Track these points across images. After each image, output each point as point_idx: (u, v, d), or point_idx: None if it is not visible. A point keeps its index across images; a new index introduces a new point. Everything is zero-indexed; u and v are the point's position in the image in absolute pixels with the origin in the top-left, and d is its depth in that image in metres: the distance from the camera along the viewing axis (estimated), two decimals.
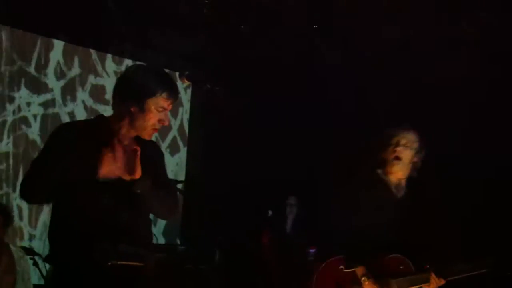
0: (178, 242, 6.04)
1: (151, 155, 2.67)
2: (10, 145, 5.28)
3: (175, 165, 6.28)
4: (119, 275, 2.54)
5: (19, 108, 5.36)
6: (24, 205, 5.21)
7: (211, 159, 5.29)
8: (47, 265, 4.09)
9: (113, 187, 2.54)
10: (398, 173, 3.53)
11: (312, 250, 5.21)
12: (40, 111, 5.47)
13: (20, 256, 4.15)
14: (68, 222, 2.56)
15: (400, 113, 4.78)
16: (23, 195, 2.60)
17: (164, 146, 6.10)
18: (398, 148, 3.48)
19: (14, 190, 5.23)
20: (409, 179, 3.57)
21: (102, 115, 2.77)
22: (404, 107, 4.94)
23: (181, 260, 4.26)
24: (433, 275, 3.37)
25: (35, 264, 4.44)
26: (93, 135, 2.60)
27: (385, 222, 3.42)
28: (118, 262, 2.53)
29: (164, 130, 6.17)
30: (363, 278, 3.40)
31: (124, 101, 2.61)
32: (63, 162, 2.51)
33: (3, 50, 5.21)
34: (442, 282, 3.39)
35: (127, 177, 2.54)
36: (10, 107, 5.28)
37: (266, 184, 5.64)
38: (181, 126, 6.39)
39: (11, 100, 5.31)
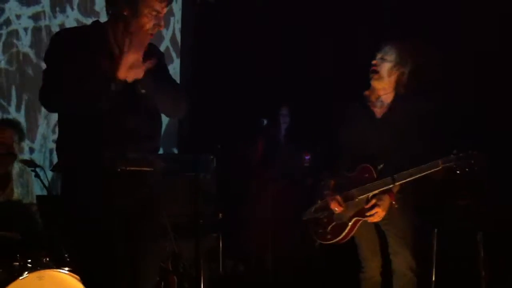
0: (176, 151, 6.14)
1: (151, 54, 2.54)
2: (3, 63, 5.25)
3: None
4: (128, 180, 2.53)
5: (9, 21, 5.29)
6: (22, 120, 5.24)
7: (205, 69, 5.26)
8: (49, 176, 4.20)
9: (118, 90, 2.44)
10: (378, 88, 3.49)
11: (307, 157, 5.35)
12: (30, 24, 5.40)
13: (22, 169, 4.23)
14: (77, 128, 2.51)
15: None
16: (43, 104, 2.54)
17: None
18: (374, 61, 3.48)
19: (9, 104, 5.25)
20: (396, 97, 3.49)
21: (97, 21, 2.66)
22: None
23: (181, 168, 4.36)
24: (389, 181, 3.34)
25: (37, 175, 4.53)
26: (94, 41, 2.52)
27: (365, 140, 3.47)
28: (128, 168, 2.53)
29: (156, 41, 6.11)
30: (325, 191, 3.56)
31: (116, 4, 2.50)
32: (72, 69, 2.42)
33: None
34: (397, 186, 3.35)
35: (130, 78, 2.45)
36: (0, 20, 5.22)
37: (260, 94, 5.68)
38: (173, 36, 6.32)
39: (1, 12, 5.24)
